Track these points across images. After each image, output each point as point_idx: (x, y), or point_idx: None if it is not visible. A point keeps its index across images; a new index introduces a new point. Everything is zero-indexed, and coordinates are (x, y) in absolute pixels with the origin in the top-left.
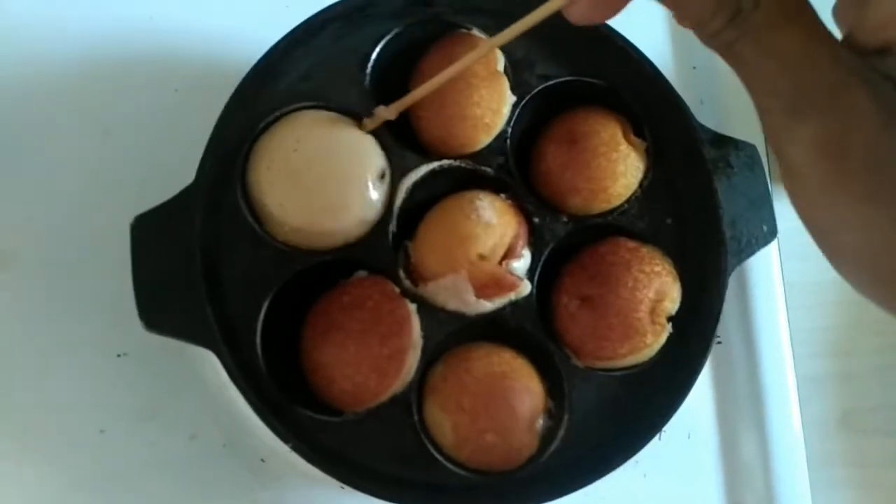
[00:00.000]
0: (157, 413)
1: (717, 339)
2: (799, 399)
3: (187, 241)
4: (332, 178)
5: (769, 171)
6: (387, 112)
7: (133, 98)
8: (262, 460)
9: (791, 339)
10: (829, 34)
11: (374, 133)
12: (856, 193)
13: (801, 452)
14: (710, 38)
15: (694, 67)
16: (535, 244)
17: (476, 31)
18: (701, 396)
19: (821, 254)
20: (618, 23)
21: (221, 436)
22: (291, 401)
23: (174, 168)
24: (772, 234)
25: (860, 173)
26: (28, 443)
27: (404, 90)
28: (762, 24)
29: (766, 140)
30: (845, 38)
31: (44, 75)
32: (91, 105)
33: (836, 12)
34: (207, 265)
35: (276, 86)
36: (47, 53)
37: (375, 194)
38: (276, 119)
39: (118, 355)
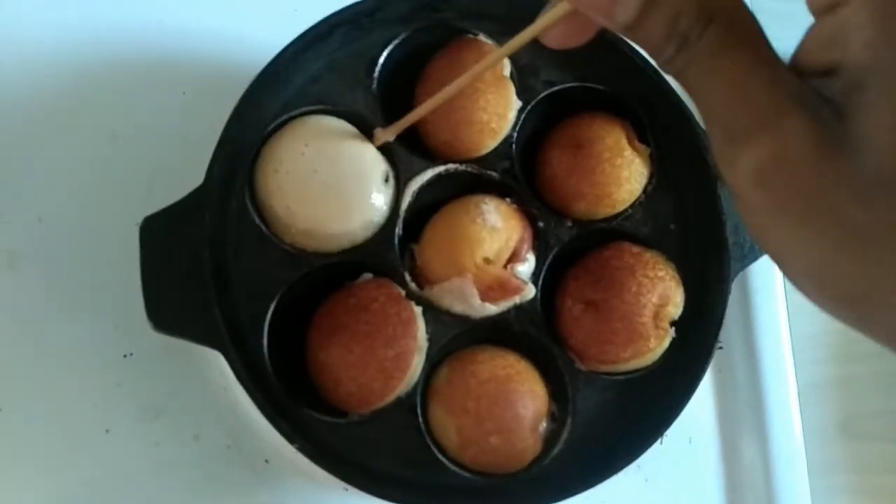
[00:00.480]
0: (162, 413)
1: (719, 345)
2: (799, 405)
3: (196, 242)
4: (338, 182)
5: None
6: (385, 134)
7: (141, 100)
8: (266, 461)
9: (792, 344)
10: (775, 58)
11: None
12: (795, 218)
13: (802, 458)
14: (665, 66)
15: None
16: (539, 248)
17: (482, 37)
18: (702, 401)
19: None
20: None
21: (225, 436)
22: (297, 402)
23: (181, 170)
24: None
25: (796, 200)
26: (33, 442)
27: (411, 94)
28: (706, 52)
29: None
30: (792, 59)
31: (52, 77)
32: (99, 107)
33: None
34: (215, 267)
35: (284, 89)
36: (55, 55)
37: (381, 198)
38: (285, 123)
39: (124, 356)
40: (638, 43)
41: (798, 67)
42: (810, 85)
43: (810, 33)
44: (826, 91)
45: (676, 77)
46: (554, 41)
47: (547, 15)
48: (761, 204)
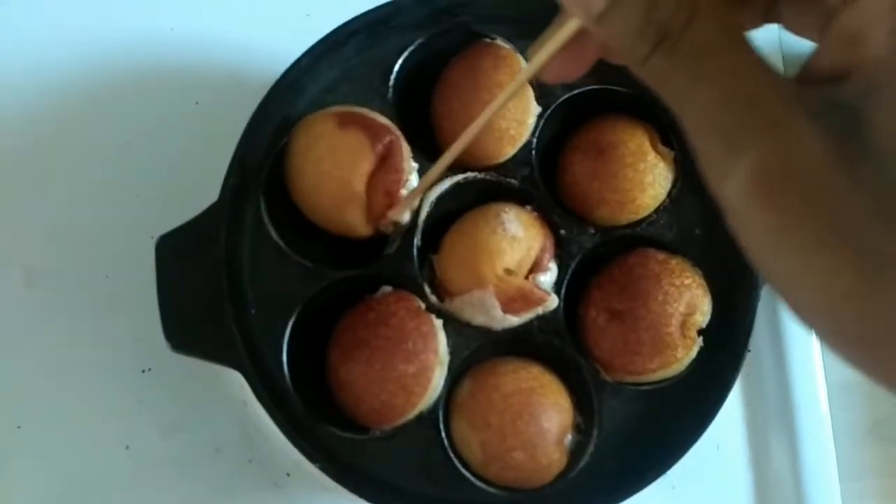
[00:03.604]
0: (182, 428)
1: (747, 350)
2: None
3: (212, 260)
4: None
5: None
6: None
7: (154, 110)
8: (288, 475)
9: (821, 346)
10: (767, 61)
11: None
12: (802, 239)
13: (833, 462)
14: (639, 68)
15: None
16: (561, 257)
17: (500, 41)
18: (730, 407)
19: None
20: None
21: (246, 450)
22: (318, 419)
23: (196, 180)
24: None
25: (805, 216)
26: (53, 458)
27: (428, 101)
28: (697, 49)
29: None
30: (804, 67)
31: (65, 88)
32: (112, 117)
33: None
34: (232, 284)
35: (299, 99)
36: (67, 66)
37: None
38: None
39: (143, 371)
40: (610, 41)
41: (809, 74)
42: (819, 92)
43: (827, 34)
44: (838, 97)
45: (651, 81)
46: (554, 75)
47: (556, 35)
48: (762, 221)
